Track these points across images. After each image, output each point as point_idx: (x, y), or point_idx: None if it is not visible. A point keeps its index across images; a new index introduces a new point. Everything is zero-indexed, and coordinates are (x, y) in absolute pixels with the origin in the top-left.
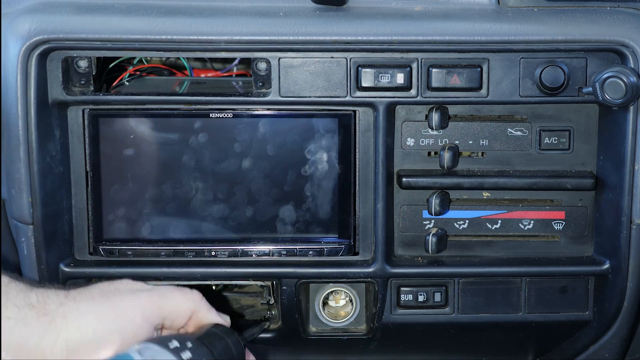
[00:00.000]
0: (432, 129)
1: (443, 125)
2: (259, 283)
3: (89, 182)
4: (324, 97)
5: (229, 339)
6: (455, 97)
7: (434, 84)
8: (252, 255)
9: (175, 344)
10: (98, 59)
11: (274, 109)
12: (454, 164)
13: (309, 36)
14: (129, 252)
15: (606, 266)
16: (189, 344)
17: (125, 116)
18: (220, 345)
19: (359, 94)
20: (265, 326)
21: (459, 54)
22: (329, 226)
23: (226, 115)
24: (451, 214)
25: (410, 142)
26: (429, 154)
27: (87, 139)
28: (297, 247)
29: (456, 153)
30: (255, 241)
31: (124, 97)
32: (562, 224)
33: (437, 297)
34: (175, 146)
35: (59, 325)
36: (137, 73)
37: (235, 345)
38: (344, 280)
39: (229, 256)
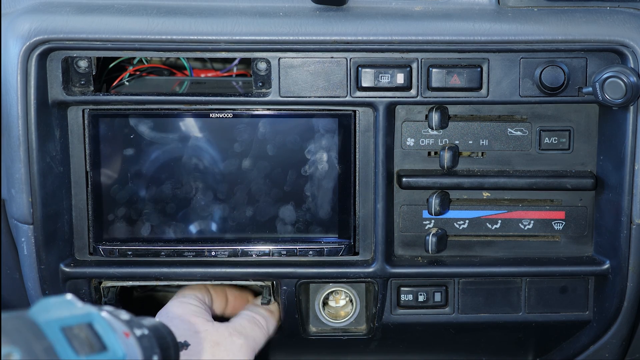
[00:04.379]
0: (432, 129)
1: (443, 125)
2: (259, 283)
3: (89, 182)
4: (324, 97)
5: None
6: (455, 97)
7: (434, 84)
8: (252, 255)
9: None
10: (98, 59)
11: (274, 109)
12: (454, 164)
13: (309, 36)
14: (129, 252)
15: (606, 266)
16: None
17: (125, 116)
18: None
19: (359, 94)
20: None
21: (459, 54)
22: (329, 226)
23: (226, 115)
24: (451, 214)
25: (410, 142)
26: (429, 154)
27: (87, 139)
28: (297, 247)
29: (456, 153)
30: (255, 241)
31: (124, 97)
32: (562, 224)
33: (437, 297)
34: (175, 146)
35: None
36: (137, 73)
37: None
38: (344, 280)
39: (229, 256)
